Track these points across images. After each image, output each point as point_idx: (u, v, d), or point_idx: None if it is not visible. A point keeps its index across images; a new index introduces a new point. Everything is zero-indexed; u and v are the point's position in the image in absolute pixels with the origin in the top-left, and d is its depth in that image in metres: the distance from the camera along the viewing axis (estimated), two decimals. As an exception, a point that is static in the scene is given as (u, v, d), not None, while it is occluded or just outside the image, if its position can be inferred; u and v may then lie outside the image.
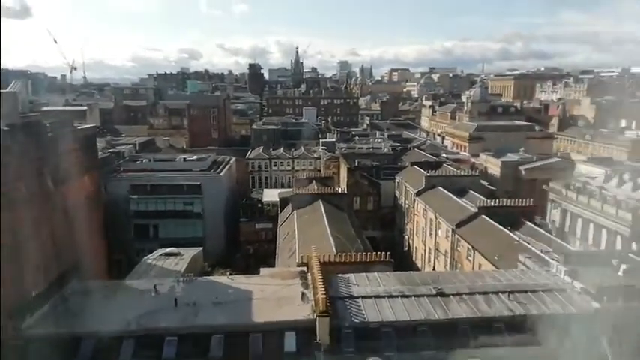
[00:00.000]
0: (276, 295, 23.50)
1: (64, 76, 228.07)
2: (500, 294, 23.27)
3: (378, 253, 28.51)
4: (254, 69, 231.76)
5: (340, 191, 50.87)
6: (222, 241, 59.66)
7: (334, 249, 31.74)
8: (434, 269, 44.92)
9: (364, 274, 25.52)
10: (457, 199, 45.79)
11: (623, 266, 25.64)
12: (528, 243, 32.74)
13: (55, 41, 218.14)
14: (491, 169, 71.24)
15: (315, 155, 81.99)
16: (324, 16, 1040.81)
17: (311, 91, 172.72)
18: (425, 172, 53.57)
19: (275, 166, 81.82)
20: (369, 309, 21.92)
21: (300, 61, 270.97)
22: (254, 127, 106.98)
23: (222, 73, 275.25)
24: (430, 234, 47.05)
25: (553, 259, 27.64)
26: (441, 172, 56.43)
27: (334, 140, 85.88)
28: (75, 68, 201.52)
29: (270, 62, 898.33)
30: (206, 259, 43.28)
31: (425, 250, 49.05)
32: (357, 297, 22.86)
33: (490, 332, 21.03)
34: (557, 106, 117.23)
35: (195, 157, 70.86)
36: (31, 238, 23.26)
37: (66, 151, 29.16)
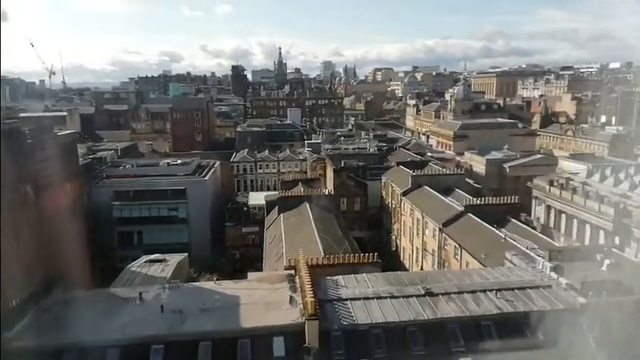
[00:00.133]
0: (264, 300, 23.23)
1: (42, 81, 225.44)
2: (488, 292, 23.34)
3: (366, 254, 28.38)
4: (237, 71, 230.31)
5: (327, 192, 50.68)
6: (209, 246, 59.06)
7: (322, 251, 31.56)
8: (422, 269, 45.06)
9: (352, 275, 25.38)
10: (443, 197, 46.02)
11: (606, 261, 26.05)
12: (514, 240, 32.98)
13: (32, 45, 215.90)
14: (476, 167, 71.86)
15: (301, 157, 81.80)
16: (306, 17, 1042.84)
17: (295, 92, 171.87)
18: (411, 172, 53.79)
19: (260, 168, 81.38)
20: (358, 311, 21.80)
21: (284, 62, 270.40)
22: (238, 129, 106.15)
23: (204, 76, 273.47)
24: (417, 233, 47.17)
25: (539, 256, 27.91)
26: (427, 171, 56.78)
27: (319, 141, 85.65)
28: (54, 73, 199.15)
29: (253, 64, 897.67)
30: (192, 265, 42.85)
31: (412, 250, 49.17)
32: (346, 299, 22.71)
33: (479, 331, 21.11)
34: (539, 103, 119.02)
35: (179, 162, 70.21)
36: (10, 247, 22.67)
37: (46, 158, 28.61)
